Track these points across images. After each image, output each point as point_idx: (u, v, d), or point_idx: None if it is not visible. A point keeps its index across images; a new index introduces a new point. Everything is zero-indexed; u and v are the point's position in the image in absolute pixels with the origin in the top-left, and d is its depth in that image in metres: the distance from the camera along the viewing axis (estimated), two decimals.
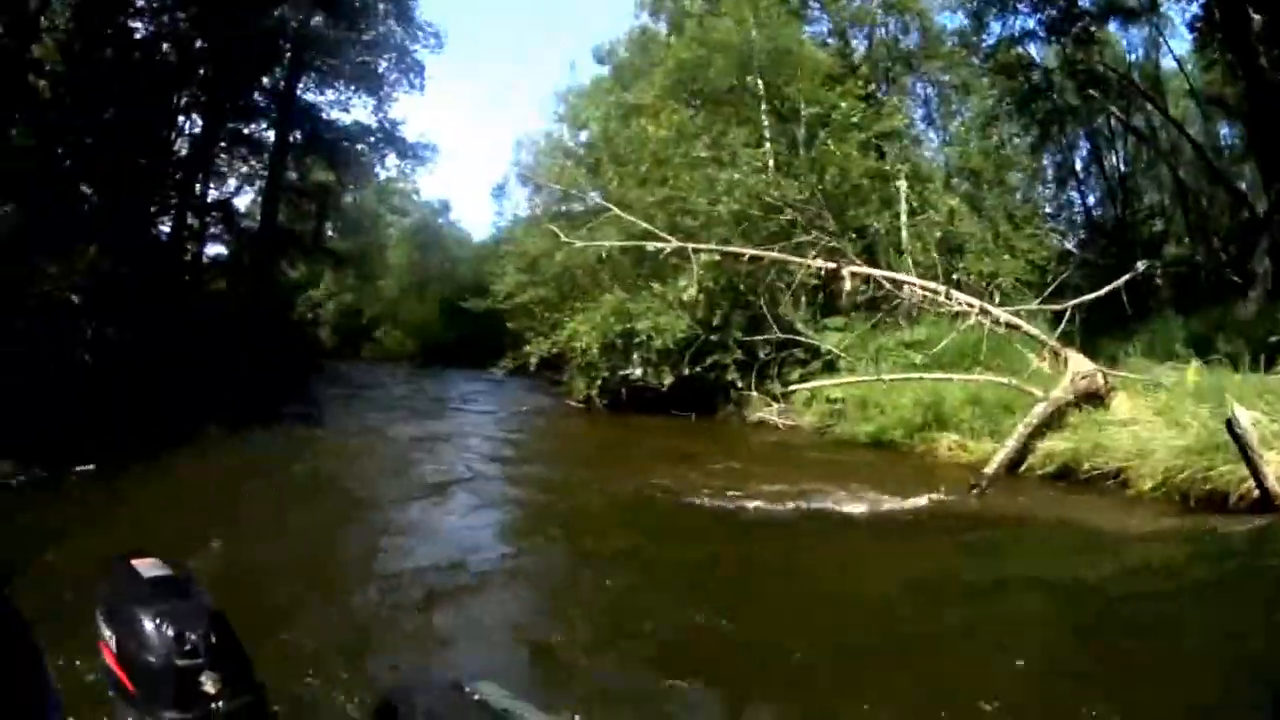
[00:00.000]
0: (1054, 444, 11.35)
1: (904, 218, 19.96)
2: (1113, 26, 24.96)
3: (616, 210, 18.29)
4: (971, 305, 14.20)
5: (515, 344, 24.93)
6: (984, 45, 24.18)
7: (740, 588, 7.15)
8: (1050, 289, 15.52)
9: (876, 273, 16.21)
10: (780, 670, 5.35)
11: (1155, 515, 9.07)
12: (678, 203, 20.27)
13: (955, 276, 16.53)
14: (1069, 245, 20.70)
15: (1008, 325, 14.13)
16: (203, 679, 2.09)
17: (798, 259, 16.55)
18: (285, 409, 19.82)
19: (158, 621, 2.16)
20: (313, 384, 27.61)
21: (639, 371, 20.62)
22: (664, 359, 20.00)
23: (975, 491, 10.44)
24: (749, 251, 17.13)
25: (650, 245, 16.96)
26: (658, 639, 5.98)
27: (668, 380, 19.88)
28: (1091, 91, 25.00)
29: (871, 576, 7.67)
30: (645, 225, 17.62)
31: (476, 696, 1.98)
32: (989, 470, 10.80)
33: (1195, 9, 22.52)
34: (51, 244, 17.32)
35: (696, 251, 16.69)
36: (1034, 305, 15.09)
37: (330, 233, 42.95)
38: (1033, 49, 24.92)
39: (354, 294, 52.84)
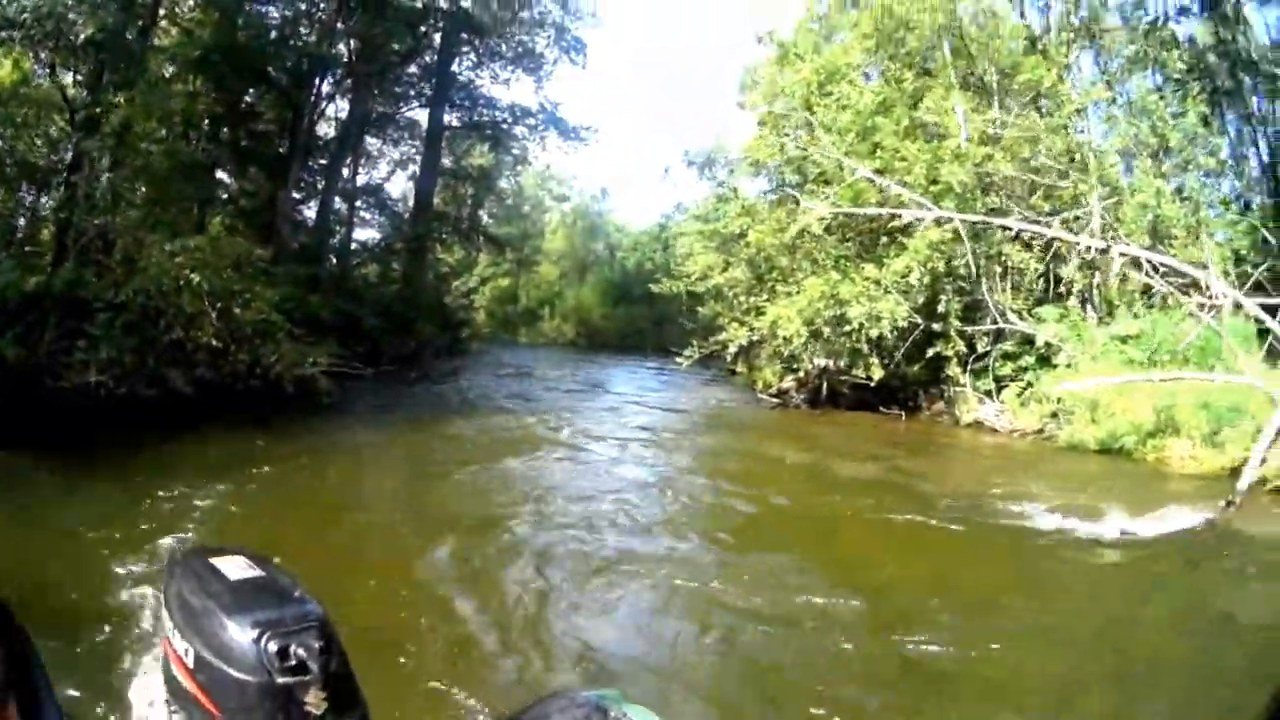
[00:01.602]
0: None
1: (1096, 202, 18.85)
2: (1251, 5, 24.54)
3: (870, 174, 18.77)
4: (1225, 297, 14.06)
5: (703, 331, 23.75)
6: (1143, 21, 23.73)
7: (1012, 631, 6.99)
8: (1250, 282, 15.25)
9: (1154, 256, 15.98)
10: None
11: None
12: (890, 174, 19.59)
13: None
14: (1266, 234, 19.57)
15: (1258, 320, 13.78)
16: (309, 699, 1.99)
17: (1069, 236, 16.58)
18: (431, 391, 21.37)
19: (257, 633, 2.04)
20: (463, 370, 28.49)
21: (843, 362, 20.41)
22: (874, 349, 19.62)
23: (1229, 509, 10.32)
24: (1018, 225, 16.89)
25: (908, 215, 17.01)
26: (862, 673, 6.09)
27: (878, 374, 19.48)
28: (1242, 75, 24.68)
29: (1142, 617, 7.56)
30: (900, 189, 17.96)
31: None
32: (1241, 485, 10.68)
33: None
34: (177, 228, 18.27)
35: (965, 222, 16.87)
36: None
37: (487, 218, 44.33)
38: (1185, 28, 24.54)
39: (510, 279, 54.29)
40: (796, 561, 8.72)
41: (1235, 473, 11.47)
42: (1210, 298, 14.32)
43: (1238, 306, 14.25)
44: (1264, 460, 11.13)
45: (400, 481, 12.14)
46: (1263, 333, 14.69)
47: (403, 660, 5.82)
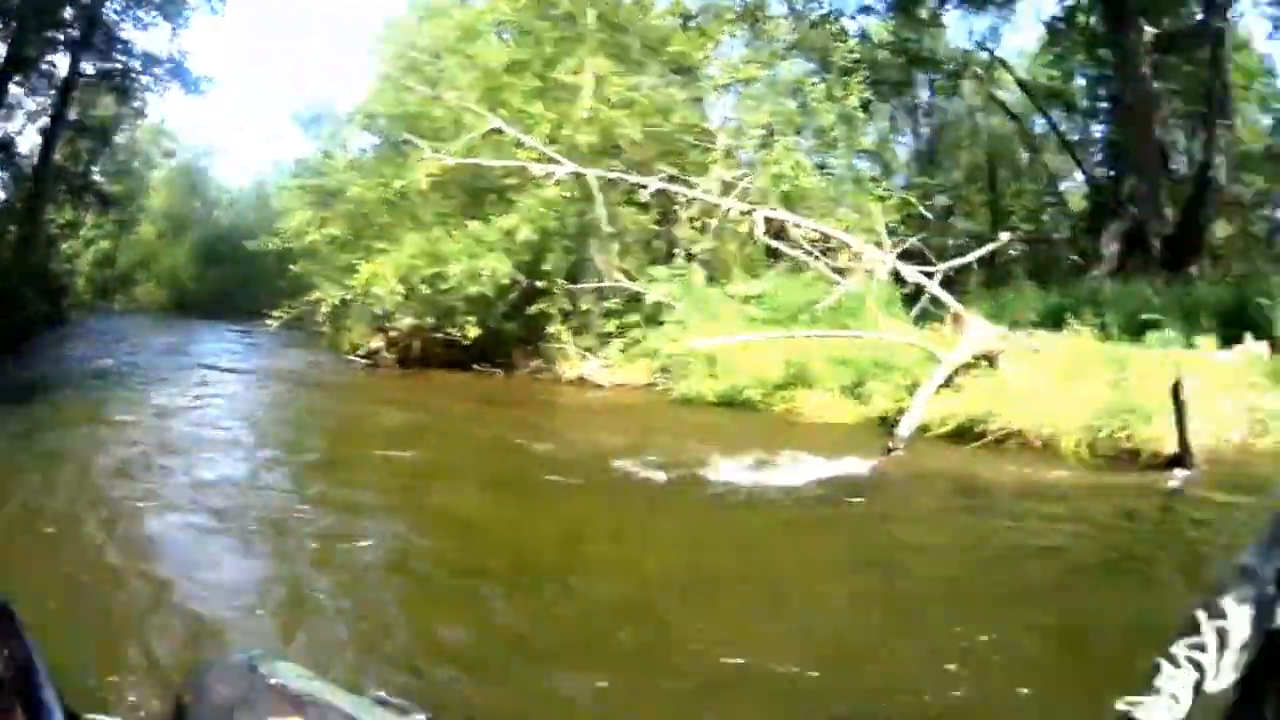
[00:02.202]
0: (949, 405, 11.33)
1: (722, 170, 18.68)
2: (956, 13, 26.70)
3: (504, 125, 17.62)
4: (884, 264, 14.84)
5: (294, 292, 21.93)
6: (812, 13, 24.54)
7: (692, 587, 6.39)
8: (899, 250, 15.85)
9: (800, 220, 16.14)
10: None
11: (1085, 473, 9.34)
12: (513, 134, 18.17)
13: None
14: (923, 210, 20.49)
15: (917, 285, 14.50)
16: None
17: (712, 197, 16.95)
18: None
19: None
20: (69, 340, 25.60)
21: (436, 320, 19.28)
22: (473, 307, 18.38)
23: (893, 453, 10.39)
24: (657, 185, 16.69)
25: (538, 169, 16.52)
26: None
27: (474, 332, 18.25)
28: (918, 71, 27.25)
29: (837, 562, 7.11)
30: (533, 144, 17.21)
31: (273, 679, 1.92)
32: (903, 432, 10.75)
33: (1057, 9, 24.72)
34: None
35: (600, 179, 16.85)
36: (939, 268, 15.13)
37: (98, 175, 39.54)
38: (857, 22, 25.66)
39: (111, 241, 49.54)
40: (397, 517, 8.32)
41: (885, 422, 11.63)
42: (859, 263, 15.09)
43: (895, 273, 14.87)
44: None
45: None
46: (908, 299, 15.36)
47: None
